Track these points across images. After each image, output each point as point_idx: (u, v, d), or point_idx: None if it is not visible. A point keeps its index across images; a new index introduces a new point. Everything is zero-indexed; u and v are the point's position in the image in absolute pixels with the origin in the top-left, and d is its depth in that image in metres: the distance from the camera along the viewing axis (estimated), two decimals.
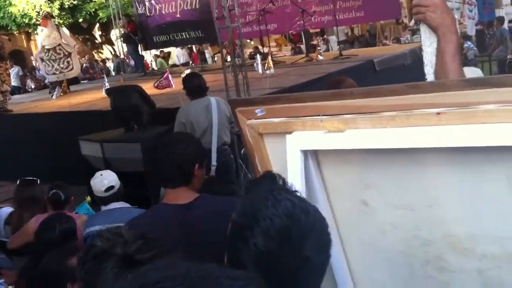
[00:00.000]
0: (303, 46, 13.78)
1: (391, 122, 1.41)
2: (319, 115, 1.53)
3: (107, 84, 8.94)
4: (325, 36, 14.84)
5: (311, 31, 12.89)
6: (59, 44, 10.41)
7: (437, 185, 1.42)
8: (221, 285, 0.66)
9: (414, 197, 1.47)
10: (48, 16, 11.11)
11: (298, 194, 1.13)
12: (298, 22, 10.27)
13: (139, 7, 13.16)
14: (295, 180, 1.57)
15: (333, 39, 13.95)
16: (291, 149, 1.58)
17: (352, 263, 1.65)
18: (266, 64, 8.37)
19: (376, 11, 9.67)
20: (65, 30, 13.77)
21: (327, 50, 13.66)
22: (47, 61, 10.40)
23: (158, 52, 17.03)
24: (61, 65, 10.48)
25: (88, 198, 4.56)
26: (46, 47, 10.44)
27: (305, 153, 1.57)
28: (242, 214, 1.08)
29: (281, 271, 1.02)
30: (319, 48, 10.33)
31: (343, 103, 1.49)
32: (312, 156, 1.59)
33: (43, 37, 10.61)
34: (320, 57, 9.74)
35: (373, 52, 9.96)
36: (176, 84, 7.37)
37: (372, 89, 1.48)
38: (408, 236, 1.51)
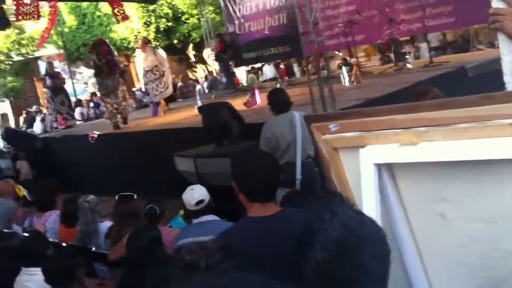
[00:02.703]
0: (392, 55, 13.50)
1: (465, 134, 1.39)
2: (392, 129, 1.54)
3: (199, 102, 9.30)
4: (415, 44, 14.44)
5: (400, 39, 12.59)
6: (156, 65, 10.99)
7: None
8: None
9: (492, 209, 1.44)
10: (146, 41, 11.77)
11: (355, 207, 1.16)
12: (387, 31, 10.10)
13: (230, 25, 13.60)
14: (370, 193, 1.59)
15: (424, 46, 13.55)
16: (364, 163, 1.60)
17: (431, 276, 1.63)
18: (353, 75, 8.31)
19: (467, 16, 9.26)
20: (161, 52, 14.49)
21: (418, 57, 13.28)
22: (149, 83, 11.05)
23: (249, 68, 17.41)
24: (159, 85, 11.04)
25: (182, 212, 4.75)
26: (145, 69, 11.07)
27: (379, 166, 1.58)
28: (302, 229, 1.13)
29: (341, 281, 1.05)
30: (407, 56, 10.08)
31: (415, 116, 1.49)
32: (387, 169, 1.60)
33: (143, 60, 11.29)
34: (409, 65, 9.51)
35: (465, 58, 9.57)
36: (264, 99, 7.51)
37: (444, 101, 1.47)
38: (488, 249, 1.47)
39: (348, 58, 13.91)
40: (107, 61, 9.49)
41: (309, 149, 4.68)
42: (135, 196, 4.49)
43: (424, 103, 1.51)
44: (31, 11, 9.21)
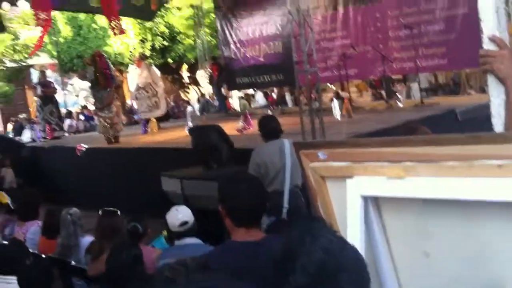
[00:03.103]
0: (384, 92, 13.67)
1: (451, 172, 1.41)
2: (380, 161, 1.56)
3: (190, 123, 9.32)
4: (407, 83, 14.65)
5: (392, 77, 12.77)
6: (149, 83, 11.01)
7: (498, 239, 1.40)
8: None
9: (476, 250, 1.45)
10: (143, 57, 11.83)
11: (337, 233, 1.18)
12: (379, 68, 10.24)
13: (225, 49, 13.71)
14: (355, 224, 1.60)
15: (415, 86, 13.74)
16: (351, 194, 1.61)
17: None
18: (345, 108, 8.41)
19: (460, 59, 9.44)
20: (155, 70, 14.56)
21: (409, 97, 13.46)
22: (140, 100, 11.04)
23: (242, 94, 17.52)
24: (149, 104, 11.05)
25: (165, 233, 4.72)
26: (139, 85, 11.10)
27: (366, 198, 1.60)
28: (282, 252, 1.14)
29: None
30: (398, 95, 10.23)
31: (404, 150, 1.52)
32: (373, 202, 1.61)
33: (136, 76, 11.32)
34: (400, 104, 9.64)
35: (456, 101, 9.71)
36: (255, 126, 7.56)
37: (433, 137, 1.50)
38: None
39: (340, 92, 14.05)
40: (104, 74, 9.51)
41: (297, 178, 4.69)
42: (119, 213, 4.46)
43: (413, 138, 1.54)
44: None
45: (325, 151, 1.71)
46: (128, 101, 19.51)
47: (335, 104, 8.54)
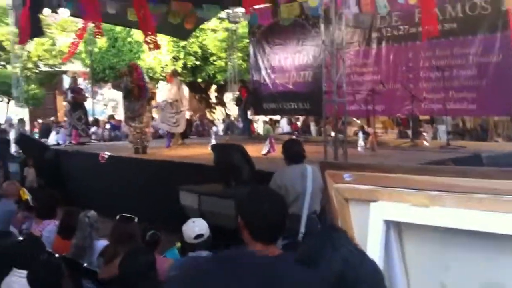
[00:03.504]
0: (410, 132, 13.60)
1: (478, 205, 1.41)
2: (406, 188, 1.57)
3: (213, 140, 9.39)
4: (434, 125, 14.56)
5: (420, 117, 12.72)
6: (176, 100, 11.16)
7: None
8: None
9: (495, 283, 1.44)
10: (175, 73, 12.01)
11: (358, 246, 1.18)
12: (407, 107, 10.23)
13: (255, 73, 13.88)
14: (375, 248, 1.60)
15: (442, 128, 13.66)
16: (374, 218, 1.62)
17: None
18: (369, 142, 8.38)
19: (489, 106, 9.40)
20: (185, 88, 14.75)
21: (435, 138, 13.37)
22: (166, 114, 11.19)
23: (267, 119, 17.61)
24: (172, 120, 11.18)
25: (178, 244, 4.73)
26: (167, 100, 11.24)
27: (388, 223, 1.60)
28: (302, 256, 1.15)
29: None
30: (425, 134, 10.17)
31: (431, 179, 1.52)
32: (395, 227, 1.61)
33: (165, 90, 11.47)
34: (426, 144, 9.57)
35: (482, 146, 9.60)
36: (278, 150, 7.59)
37: (461, 169, 1.50)
38: None
39: (365, 126, 14.02)
40: (139, 86, 9.67)
41: (316, 204, 4.68)
42: (136, 220, 4.49)
43: (441, 168, 1.54)
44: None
45: (351, 173, 1.72)
46: (155, 115, 19.75)
47: (360, 136, 8.52)
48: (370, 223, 1.63)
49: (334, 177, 1.77)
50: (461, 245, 1.48)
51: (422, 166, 1.59)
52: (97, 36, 10.86)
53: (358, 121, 15.67)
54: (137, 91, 9.66)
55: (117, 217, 4.49)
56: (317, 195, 4.67)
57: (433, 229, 1.52)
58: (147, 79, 10.31)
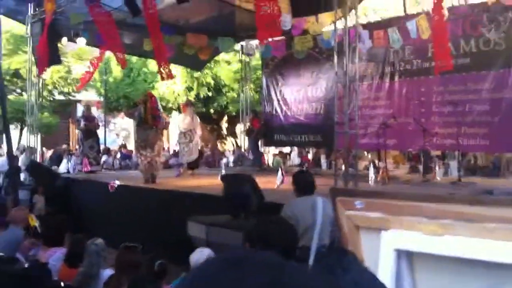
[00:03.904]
0: (421, 167, 13.50)
1: (491, 234, 1.38)
2: (418, 216, 1.53)
3: (223, 171, 9.38)
4: (445, 160, 14.44)
5: (431, 153, 12.64)
6: (190, 130, 11.22)
7: None
8: None
9: None
10: (189, 103, 12.11)
11: (368, 269, 1.14)
12: (419, 141, 10.19)
13: (267, 105, 13.96)
14: (385, 277, 1.55)
15: (453, 164, 13.53)
16: (385, 246, 1.58)
17: None
18: (380, 175, 8.33)
19: (502, 142, 9.33)
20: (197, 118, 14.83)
21: (446, 174, 13.24)
22: (180, 144, 11.26)
23: (277, 152, 17.60)
24: (185, 148, 11.22)
25: (184, 275, 4.66)
26: (181, 130, 11.30)
27: (399, 252, 1.56)
28: (312, 282, 1.10)
29: None
30: (437, 169, 10.09)
31: (444, 207, 1.49)
32: (406, 256, 1.57)
33: (179, 120, 11.54)
34: (437, 179, 9.49)
35: (493, 182, 9.50)
36: (287, 182, 7.55)
37: (475, 198, 1.47)
38: None
39: (376, 161, 13.95)
40: (153, 115, 9.75)
41: (325, 237, 4.60)
42: (139, 248, 4.44)
43: (454, 196, 1.51)
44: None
45: (362, 200, 1.69)
46: (166, 145, 19.85)
47: (371, 169, 8.48)
48: (381, 252, 1.59)
49: (345, 204, 1.74)
50: (473, 275, 1.44)
51: (434, 195, 1.56)
52: (124, 65, 11.09)
53: (369, 156, 15.61)
54: (151, 119, 9.73)
55: (120, 246, 4.46)
56: (327, 227, 4.61)
57: (445, 258, 1.47)
58: (161, 109, 10.40)
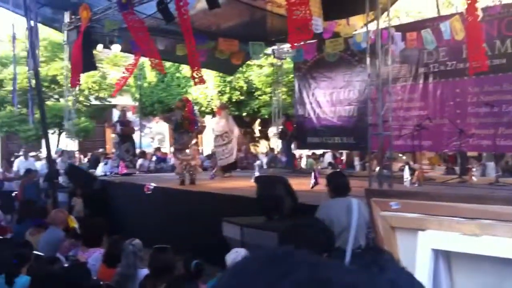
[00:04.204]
0: (457, 168, 13.28)
1: None
2: (455, 216, 1.53)
3: (257, 173, 9.43)
4: (482, 161, 14.16)
5: (468, 154, 12.42)
6: (226, 132, 11.33)
7: None
8: None
9: None
10: (224, 106, 12.24)
11: (404, 268, 1.13)
12: (455, 143, 10.04)
13: (299, 108, 13.97)
14: (423, 278, 1.56)
15: (491, 165, 13.26)
16: (422, 247, 1.59)
17: None
18: (416, 177, 8.23)
19: None
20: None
21: (483, 175, 12.98)
22: (217, 147, 11.38)
23: (309, 153, 17.57)
24: (225, 151, 11.33)
25: (220, 275, 4.70)
26: (216, 133, 11.41)
27: (436, 252, 1.56)
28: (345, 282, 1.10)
29: None
30: (474, 170, 9.92)
31: (482, 208, 1.49)
32: (444, 257, 1.58)
33: (214, 123, 11.66)
34: (474, 179, 9.32)
35: None
36: (321, 184, 7.54)
37: None
38: None
39: (411, 162, 13.78)
40: (189, 118, 9.95)
41: (361, 238, 4.58)
42: (170, 250, 4.50)
43: (492, 196, 1.50)
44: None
45: (398, 201, 1.70)
46: (200, 149, 20.04)
47: (406, 171, 8.38)
48: (418, 252, 1.59)
49: (380, 205, 1.75)
50: None
51: (471, 195, 1.55)
52: (162, 71, 11.36)
53: (404, 157, 15.44)
54: (187, 123, 9.92)
55: (153, 248, 4.54)
56: (362, 229, 4.59)
57: (484, 258, 1.47)
58: (197, 113, 10.57)
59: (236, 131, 11.74)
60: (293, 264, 0.75)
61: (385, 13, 8.96)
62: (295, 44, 8.52)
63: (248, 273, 0.75)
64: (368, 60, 7.90)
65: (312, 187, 8.09)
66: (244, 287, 0.74)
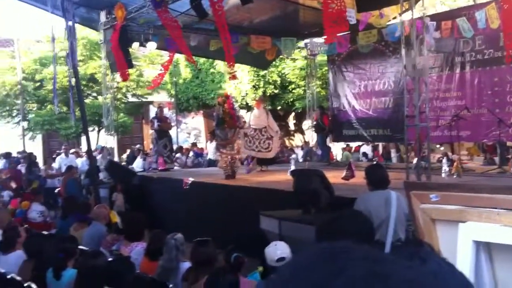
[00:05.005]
0: (496, 159, 13.00)
1: None
2: (495, 208, 1.55)
3: (292, 166, 9.47)
4: None
5: (507, 144, 12.15)
6: (265, 127, 11.38)
7: None
8: None
9: None
10: (262, 99, 12.31)
11: (446, 259, 1.14)
12: (494, 132, 9.84)
13: (334, 101, 13.91)
14: (464, 269, 1.58)
15: None
16: (463, 239, 1.61)
17: None
18: (454, 168, 8.12)
19: None
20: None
21: None
22: (250, 137, 11.39)
23: (345, 146, 17.48)
24: (262, 145, 11.38)
25: (260, 268, 4.77)
26: (253, 126, 11.43)
27: (477, 244, 1.58)
28: (385, 272, 1.12)
29: None
30: None
31: None
32: (485, 248, 1.59)
33: (252, 116, 11.71)
34: None
35: None
36: (357, 176, 7.53)
37: None
38: None
39: (450, 153, 13.57)
40: (230, 114, 10.11)
41: (400, 231, 4.56)
42: (211, 242, 4.58)
43: None
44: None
45: (437, 194, 1.72)
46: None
47: (444, 162, 8.28)
48: (459, 244, 1.61)
49: (420, 198, 1.77)
50: None
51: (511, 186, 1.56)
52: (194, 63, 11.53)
53: (442, 148, 15.20)
54: (229, 119, 10.09)
55: (194, 242, 4.63)
56: (401, 221, 4.57)
57: None
58: (237, 108, 10.70)
59: (277, 128, 11.78)
60: (350, 260, 0.75)
61: (419, 3, 8.83)
62: (331, 38, 8.49)
63: (305, 269, 0.74)
64: (403, 50, 7.81)
65: (346, 178, 8.06)
66: (299, 282, 0.75)
